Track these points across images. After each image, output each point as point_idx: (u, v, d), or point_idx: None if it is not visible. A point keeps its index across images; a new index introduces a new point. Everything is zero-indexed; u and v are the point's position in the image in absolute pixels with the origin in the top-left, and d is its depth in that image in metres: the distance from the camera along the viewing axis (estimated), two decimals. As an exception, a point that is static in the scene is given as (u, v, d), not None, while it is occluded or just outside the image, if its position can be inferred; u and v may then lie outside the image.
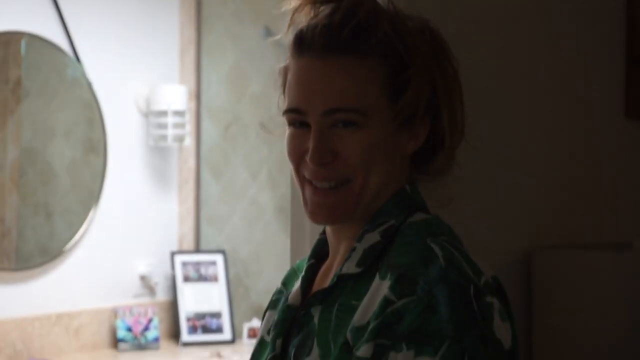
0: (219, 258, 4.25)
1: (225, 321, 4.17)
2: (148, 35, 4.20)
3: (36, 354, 3.77)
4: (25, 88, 3.88)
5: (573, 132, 2.03)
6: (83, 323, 3.95)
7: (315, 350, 1.17)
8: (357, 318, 1.13)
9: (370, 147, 1.18)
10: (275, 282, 4.26)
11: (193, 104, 4.33)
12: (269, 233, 4.17)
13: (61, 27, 3.92)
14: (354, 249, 1.20)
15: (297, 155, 1.21)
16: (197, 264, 4.22)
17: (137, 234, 4.16)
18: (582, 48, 2.05)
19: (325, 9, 1.20)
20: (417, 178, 1.27)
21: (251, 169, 4.22)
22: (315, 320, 1.20)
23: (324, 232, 1.32)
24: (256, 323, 4.10)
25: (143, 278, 4.16)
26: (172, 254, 4.22)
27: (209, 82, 4.34)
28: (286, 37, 1.24)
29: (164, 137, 4.15)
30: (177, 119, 4.14)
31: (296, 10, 1.24)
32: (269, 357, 1.26)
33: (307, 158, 1.19)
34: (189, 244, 4.33)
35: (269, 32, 4.11)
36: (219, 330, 4.15)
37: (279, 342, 1.25)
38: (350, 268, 1.19)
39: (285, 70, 1.25)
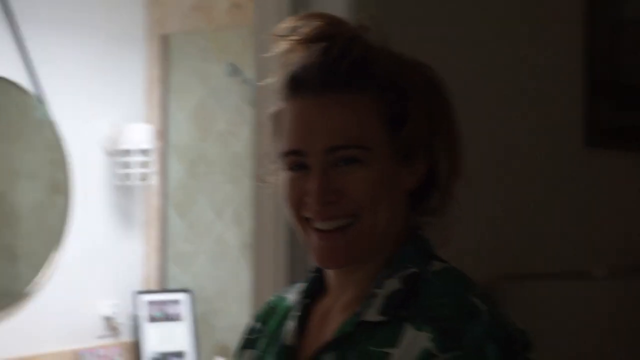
0: (184, 297, 4.20)
1: (190, 360, 4.12)
2: (114, 75, 4.18)
3: (-3, 398, 3.70)
4: None
5: (533, 160, 2.04)
6: (46, 366, 3.88)
7: None
8: None
9: (375, 183, 1.14)
10: (241, 319, 4.22)
11: (159, 143, 4.31)
12: (235, 271, 4.14)
13: (25, 67, 3.90)
14: (373, 296, 1.15)
15: (296, 199, 1.16)
16: (163, 303, 4.17)
17: (102, 274, 4.11)
18: (541, 77, 2.06)
19: (317, 49, 1.17)
20: (413, 217, 1.23)
21: (217, 206, 4.20)
22: None
23: (316, 270, 1.27)
24: (220, 362, 4.06)
25: (107, 319, 4.10)
26: (136, 294, 4.17)
27: (175, 121, 4.33)
28: (277, 80, 1.19)
29: (129, 176, 4.12)
30: (143, 158, 4.12)
31: (287, 52, 1.20)
32: None
33: (310, 199, 1.14)
34: (155, 283, 4.28)
35: (234, 69, 4.12)
36: (183, 370, 4.10)
37: None
38: (372, 315, 1.14)
39: (276, 116, 1.20)
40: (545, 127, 2.07)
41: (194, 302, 4.20)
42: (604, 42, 2.21)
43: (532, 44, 2.02)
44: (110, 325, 4.11)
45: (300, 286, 1.30)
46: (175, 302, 4.18)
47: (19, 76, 3.89)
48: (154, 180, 4.22)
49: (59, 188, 4.00)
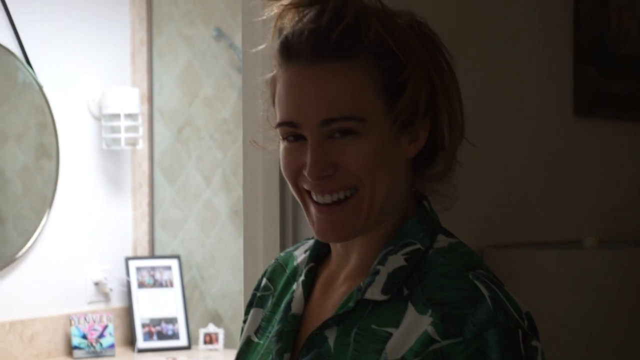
0: (173, 263, 4.21)
1: (181, 327, 4.13)
2: (99, 38, 4.15)
3: (-12, 364, 3.71)
4: None
5: (523, 131, 2.03)
6: (37, 331, 3.89)
7: None
8: (391, 351, 1.08)
9: (372, 154, 1.11)
10: (231, 286, 4.23)
11: (145, 107, 4.29)
12: (224, 236, 4.14)
13: (11, 29, 3.86)
14: (376, 272, 1.13)
15: (293, 171, 1.14)
16: (152, 269, 4.18)
17: (91, 240, 4.10)
18: (530, 47, 2.05)
19: (310, 13, 1.13)
20: (419, 183, 1.21)
21: (205, 172, 4.19)
22: (331, 343, 1.13)
23: None
24: (212, 329, 4.07)
25: (97, 284, 4.10)
26: (127, 260, 4.17)
27: (160, 85, 4.30)
28: (270, 45, 1.17)
29: (117, 141, 4.10)
30: (130, 122, 4.10)
31: (279, 16, 1.15)
32: None
33: (306, 172, 1.12)
34: (144, 249, 4.28)
35: (220, 34, 4.09)
36: (174, 336, 4.11)
37: (287, 356, 1.18)
38: (375, 294, 1.12)
39: (273, 81, 1.17)
40: (533, 96, 2.07)
41: (182, 268, 4.21)
42: (590, 7, 2.19)
43: (519, 12, 2.01)
44: (101, 291, 4.11)
45: (308, 245, 1.29)
46: (165, 268, 4.19)
47: (3, 38, 3.84)
48: (142, 145, 4.20)
49: (46, 152, 3.98)
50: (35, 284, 3.90)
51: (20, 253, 3.86)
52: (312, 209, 1.15)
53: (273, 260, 1.34)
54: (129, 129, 4.10)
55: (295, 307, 1.21)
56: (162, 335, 4.09)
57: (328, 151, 1.11)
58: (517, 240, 2.01)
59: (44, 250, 3.93)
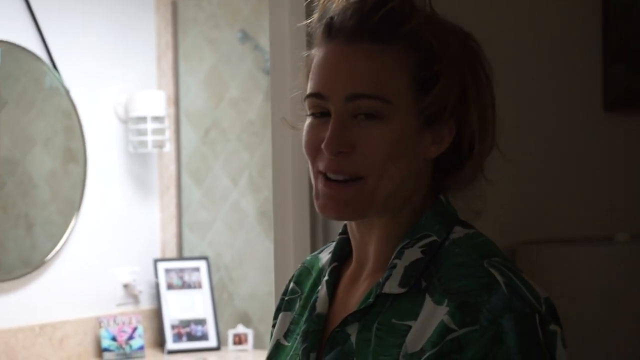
0: (202, 264, 4.22)
1: (210, 328, 4.14)
2: (125, 41, 4.17)
3: (20, 366, 3.74)
4: (2, 97, 3.85)
5: (553, 127, 2.03)
6: (67, 333, 3.92)
7: None
8: (410, 343, 1.08)
9: (392, 142, 1.11)
10: (259, 287, 4.23)
11: (172, 110, 4.31)
12: (251, 238, 4.15)
13: (37, 35, 3.89)
14: (393, 266, 1.14)
15: (314, 146, 1.14)
16: (181, 271, 4.20)
17: (119, 242, 4.13)
18: (559, 43, 2.04)
19: None
20: (441, 189, 1.20)
21: (232, 173, 4.20)
22: (353, 339, 1.14)
23: (343, 232, 1.25)
24: (241, 329, 4.08)
25: (126, 286, 4.13)
26: (155, 262, 4.19)
27: (187, 87, 4.32)
28: (315, 26, 1.18)
29: (143, 144, 4.12)
30: (156, 125, 4.12)
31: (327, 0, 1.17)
32: None
33: (323, 146, 1.12)
34: (172, 251, 4.30)
35: (245, 35, 4.10)
36: (204, 337, 4.13)
37: (313, 356, 1.18)
38: (393, 288, 1.13)
39: (310, 59, 1.18)
40: (563, 93, 2.06)
41: (210, 270, 4.22)
42: (619, 4, 2.19)
43: (548, 9, 2.01)
44: (130, 293, 4.14)
45: (332, 246, 1.29)
46: (194, 269, 4.20)
47: (30, 44, 3.88)
48: (169, 148, 4.22)
49: (73, 156, 4.01)
50: (65, 287, 3.94)
51: (49, 257, 3.90)
52: (320, 183, 1.15)
53: (300, 265, 1.36)
54: (155, 131, 4.12)
55: (320, 307, 1.22)
56: (191, 337, 4.11)
57: (349, 129, 1.12)
58: (549, 236, 2.00)
59: (72, 253, 3.96)
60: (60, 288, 3.92)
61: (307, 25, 1.21)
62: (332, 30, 1.15)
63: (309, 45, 1.23)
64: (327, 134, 1.12)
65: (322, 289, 1.23)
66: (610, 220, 2.07)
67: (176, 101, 4.33)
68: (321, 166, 1.14)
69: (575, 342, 1.82)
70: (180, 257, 4.29)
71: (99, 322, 3.98)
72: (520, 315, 1.05)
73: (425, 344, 1.07)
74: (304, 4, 1.24)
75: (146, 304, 4.20)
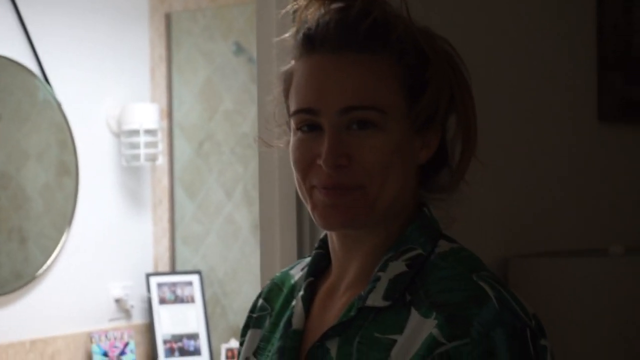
0: (195, 278, 4.18)
1: (203, 343, 4.10)
2: (118, 54, 4.14)
3: (10, 382, 3.70)
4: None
5: (547, 137, 1.99)
6: (58, 349, 3.87)
7: None
8: (396, 357, 1.05)
9: (389, 151, 1.09)
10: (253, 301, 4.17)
11: (165, 122, 4.28)
12: (245, 251, 4.11)
13: (29, 48, 3.87)
14: (377, 279, 1.10)
15: (306, 162, 1.11)
16: (173, 285, 4.16)
17: (112, 256, 4.09)
18: (553, 53, 2.01)
19: (334, 7, 1.12)
20: (423, 194, 1.18)
21: (226, 186, 4.17)
22: (333, 354, 1.10)
23: (320, 247, 1.22)
24: (234, 344, 4.04)
25: (118, 301, 4.09)
26: (148, 276, 4.15)
27: (180, 100, 4.29)
28: (294, 37, 1.14)
29: (136, 157, 4.09)
30: (149, 138, 4.09)
31: (304, 8, 1.14)
32: None
33: (320, 161, 1.08)
34: (165, 264, 4.26)
35: (239, 48, 4.08)
36: (196, 352, 4.08)
37: None
38: (377, 300, 1.09)
39: (288, 75, 1.15)
40: (557, 102, 2.03)
41: (204, 284, 4.18)
42: (615, 14, 2.17)
43: (541, 18, 1.98)
44: (122, 308, 4.10)
45: (305, 262, 1.26)
46: (187, 283, 4.16)
47: (22, 57, 3.85)
48: (162, 161, 4.19)
49: (66, 170, 3.98)
50: (56, 301, 3.89)
51: (41, 271, 3.85)
52: (317, 195, 1.11)
53: (269, 282, 1.31)
54: (148, 144, 4.09)
55: (296, 323, 1.18)
56: (183, 352, 4.07)
57: (345, 141, 1.08)
58: (542, 249, 1.97)
59: (64, 267, 3.93)
60: (51, 303, 3.88)
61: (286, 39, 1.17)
62: (314, 41, 1.11)
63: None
64: (324, 148, 1.08)
65: (298, 305, 1.19)
66: (605, 232, 2.04)
67: (169, 114, 4.30)
68: (316, 181, 1.11)
69: (567, 358, 1.78)
70: (173, 271, 4.25)
71: (90, 337, 3.93)
72: (511, 329, 1.03)
73: (412, 357, 1.04)
74: (292, 16, 1.20)
75: (138, 319, 4.15)
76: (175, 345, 4.07)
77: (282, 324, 1.20)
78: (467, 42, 1.75)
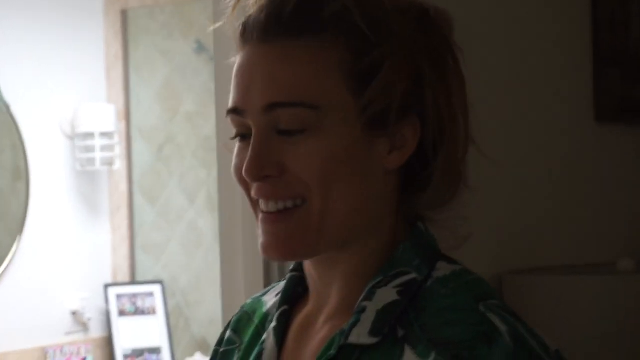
0: (156, 289, 4.03)
1: (166, 357, 3.95)
2: (71, 52, 3.96)
3: (-42, 404, 3.47)
4: None
5: (540, 141, 1.89)
6: (10, 366, 3.66)
7: None
8: None
9: (327, 157, 0.91)
10: (218, 313, 4.00)
11: (122, 125, 4.11)
12: (209, 260, 3.98)
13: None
14: (362, 310, 0.93)
15: (240, 175, 0.95)
16: (133, 296, 3.98)
17: (67, 266, 3.89)
18: (549, 51, 1.89)
19: None
20: (412, 209, 0.99)
21: (188, 191, 4.04)
22: None
23: (295, 269, 1.04)
24: (199, 358, 3.90)
25: (75, 314, 3.89)
26: (106, 286, 3.97)
27: (138, 101, 4.14)
28: (232, 30, 0.98)
29: (91, 161, 3.91)
30: (105, 141, 3.91)
31: None
32: None
33: (243, 172, 0.93)
34: (124, 274, 4.08)
35: (201, 46, 3.95)
36: (159, 367, 3.93)
37: None
38: (362, 337, 0.92)
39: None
40: (551, 104, 1.91)
41: (166, 294, 4.03)
42: (609, 12, 2.05)
43: (540, 17, 1.86)
44: (79, 321, 3.90)
45: (280, 287, 1.07)
46: (147, 294, 4.01)
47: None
48: (119, 165, 4.00)
49: (19, 174, 3.78)
50: (7, 314, 3.67)
51: (-9, 283, 3.63)
52: (260, 218, 0.95)
53: (238, 310, 1.13)
54: (104, 148, 3.92)
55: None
56: (145, 367, 3.91)
57: (274, 148, 0.92)
58: (539, 264, 1.85)
59: (16, 278, 3.70)
60: (2, 316, 3.65)
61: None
62: (246, 32, 0.95)
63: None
64: (248, 155, 0.92)
65: (269, 339, 1.01)
66: (610, 244, 1.89)
67: (127, 115, 4.14)
68: (253, 192, 0.94)
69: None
70: (133, 282, 4.07)
71: (44, 352, 3.73)
72: None
73: None
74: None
75: (96, 332, 3.95)
76: (136, 361, 3.90)
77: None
78: (460, 42, 1.62)
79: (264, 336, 1.03)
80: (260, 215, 0.95)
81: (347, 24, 0.92)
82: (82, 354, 3.78)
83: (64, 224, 3.89)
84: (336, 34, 0.92)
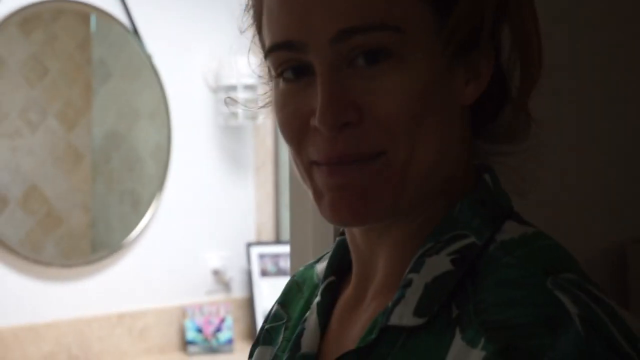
0: (297, 249, 3.82)
1: (305, 321, 3.75)
2: (216, 2, 3.80)
3: (94, 359, 3.43)
4: (108, 68, 3.55)
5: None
6: (148, 324, 3.58)
7: None
8: None
9: (417, 91, 0.75)
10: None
11: (268, 77, 3.92)
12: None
13: (120, 1, 3.57)
14: (408, 284, 0.77)
15: (295, 126, 0.78)
16: (276, 257, 3.80)
17: (209, 224, 3.76)
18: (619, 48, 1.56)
19: None
20: (481, 149, 0.85)
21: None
22: None
23: (344, 232, 0.89)
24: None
25: (216, 273, 3.76)
26: (248, 246, 3.81)
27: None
28: None
29: (235, 115, 3.74)
30: (249, 94, 3.73)
31: None
32: None
33: (315, 121, 0.76)
34: (268, 233, 3.90)
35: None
36: (295, 331, 3.75)
37: None
38: (405, 317, 0.77)
39: (257, 1, 0.83)
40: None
41: (307, 255, 3.83)
42: None
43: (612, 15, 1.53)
44: (220, 280, 3.77)
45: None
46: (289, 255, 3.83)
47: (113, 9, 3.55)
48: (261, 119, 3.83)
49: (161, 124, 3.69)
50: (147, 272, 3.59)
51: (129, 239, 3.55)
52: (319, 175, 0.78)
53: (288, 281, 1.00)
54: (249, 101, 3.74)
55: (307, 344, 0.87)
56: (281, 331, 3.74)
57: (349, 87, 0.75)
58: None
59: (156, 235, 3.61)
60: (141, 274, 3.57)
61: None
62: None
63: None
64: (319, 100, 0.75)
65: (312, 317, 0.88)
66: None
67: (272, 67, 3.95)
68: (315, 155, 0.77)
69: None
70: (277, 241, 3.88)
71: (183, 311, 3.62)
72: None
73: None
74: None
75: (237, 292, 3.81)
76: (273, 324, 3.74)
77: (291, 343, 0.90)
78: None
79: (307, 313, 0.90)
80: (325, 170, 0.77)
81: None
82: (222, 314, 3.65)
83: (206, 180, 3.76)
84: None
